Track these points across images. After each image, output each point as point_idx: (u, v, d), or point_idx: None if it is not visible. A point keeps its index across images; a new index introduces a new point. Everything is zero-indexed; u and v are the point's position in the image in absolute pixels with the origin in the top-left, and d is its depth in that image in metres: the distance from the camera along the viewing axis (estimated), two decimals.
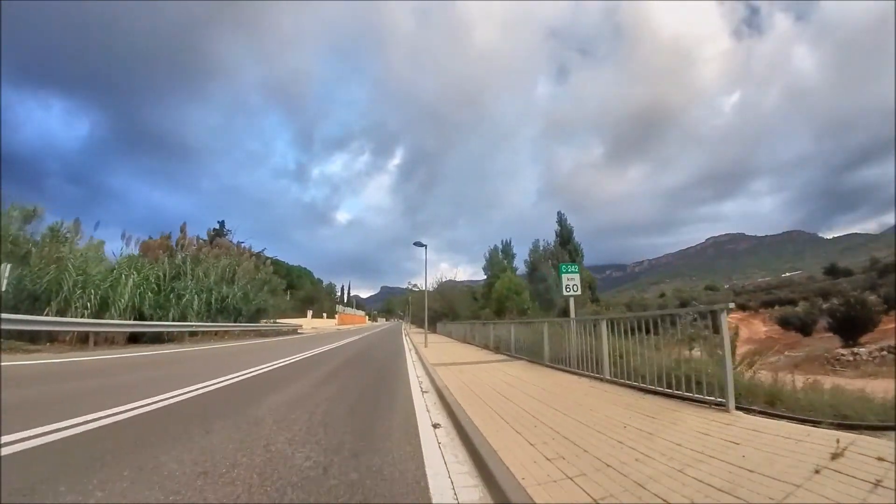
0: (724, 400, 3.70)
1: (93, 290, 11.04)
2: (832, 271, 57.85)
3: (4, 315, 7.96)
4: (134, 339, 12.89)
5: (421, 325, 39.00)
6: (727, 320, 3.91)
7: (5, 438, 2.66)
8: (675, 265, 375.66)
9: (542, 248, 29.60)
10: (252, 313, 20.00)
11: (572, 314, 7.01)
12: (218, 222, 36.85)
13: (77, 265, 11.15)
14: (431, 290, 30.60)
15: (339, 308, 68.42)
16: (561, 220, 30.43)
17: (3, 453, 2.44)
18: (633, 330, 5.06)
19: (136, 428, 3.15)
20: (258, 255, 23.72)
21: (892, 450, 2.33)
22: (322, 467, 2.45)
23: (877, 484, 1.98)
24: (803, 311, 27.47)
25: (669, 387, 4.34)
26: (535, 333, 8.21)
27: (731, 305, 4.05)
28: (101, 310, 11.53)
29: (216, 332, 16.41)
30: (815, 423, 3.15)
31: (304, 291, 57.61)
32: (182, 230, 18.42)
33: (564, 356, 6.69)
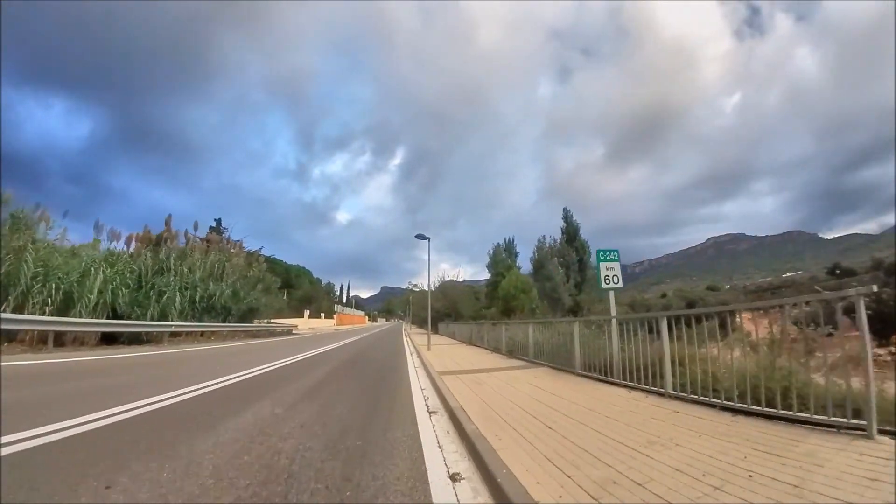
0: (863, 422, 2.68)
1: (54, 285, 9.80)
2: (835, 271, 56.87)
3: None
4: (111, 339, 11.71)
5: (422, 326, 37.80)
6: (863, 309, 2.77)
7: None
8: (676, 265, 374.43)
9: (548, 245, 28.45)
10: (243, 313, 18.71)
11: (613, 311, 5.80)
12: (215, 220, 35.53)
13: (39, 256, 9.92)
14: (433, 288, 29.34)
15: (338, 308, 67.20)
16: (567, 217, 29.23)
17: None
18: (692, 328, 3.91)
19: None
20: (251, 252, 22.40)
21: None
22: None
23: None
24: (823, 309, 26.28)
25: (770, 405, 3.21)
26: (561, 335, 7.01)
27: (875, 288, 2.87)
28: (67, 306, 10.29)
29: (202, 333, 15.16)
30: None
31: (302, 291, 56.42)
32: (167, 224, 17.19)
33: (601, 363, 5.51)
